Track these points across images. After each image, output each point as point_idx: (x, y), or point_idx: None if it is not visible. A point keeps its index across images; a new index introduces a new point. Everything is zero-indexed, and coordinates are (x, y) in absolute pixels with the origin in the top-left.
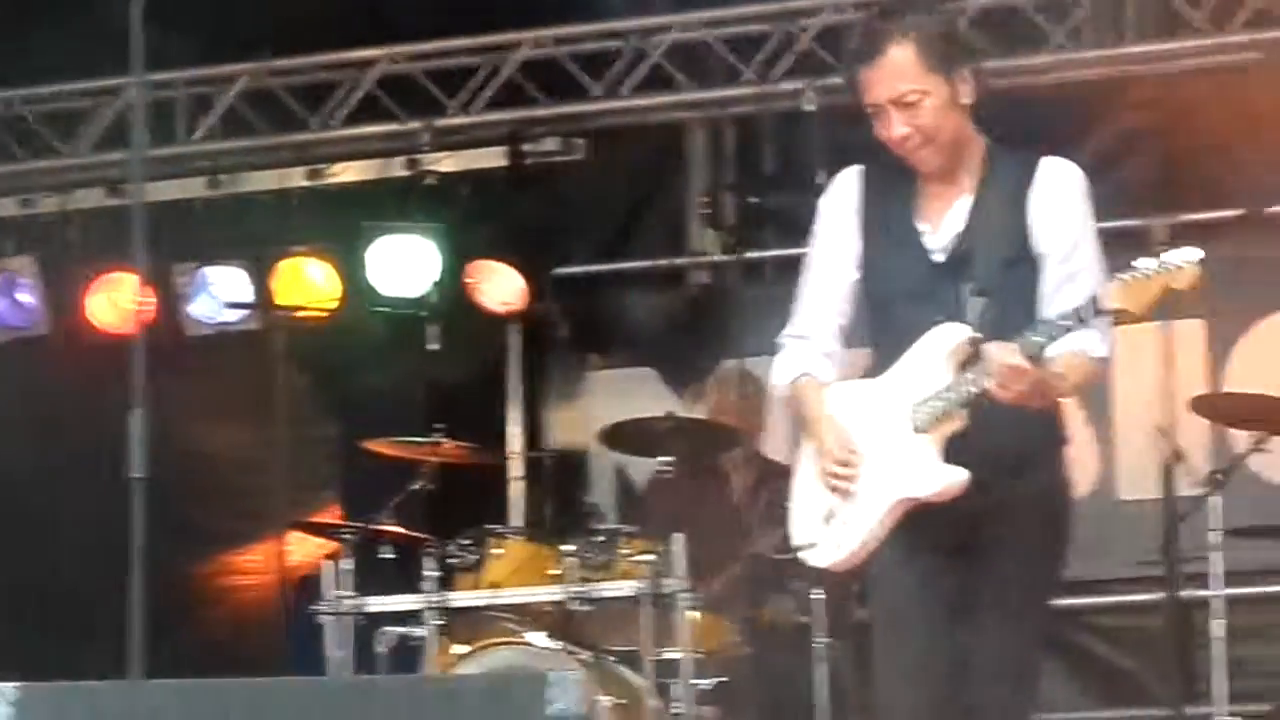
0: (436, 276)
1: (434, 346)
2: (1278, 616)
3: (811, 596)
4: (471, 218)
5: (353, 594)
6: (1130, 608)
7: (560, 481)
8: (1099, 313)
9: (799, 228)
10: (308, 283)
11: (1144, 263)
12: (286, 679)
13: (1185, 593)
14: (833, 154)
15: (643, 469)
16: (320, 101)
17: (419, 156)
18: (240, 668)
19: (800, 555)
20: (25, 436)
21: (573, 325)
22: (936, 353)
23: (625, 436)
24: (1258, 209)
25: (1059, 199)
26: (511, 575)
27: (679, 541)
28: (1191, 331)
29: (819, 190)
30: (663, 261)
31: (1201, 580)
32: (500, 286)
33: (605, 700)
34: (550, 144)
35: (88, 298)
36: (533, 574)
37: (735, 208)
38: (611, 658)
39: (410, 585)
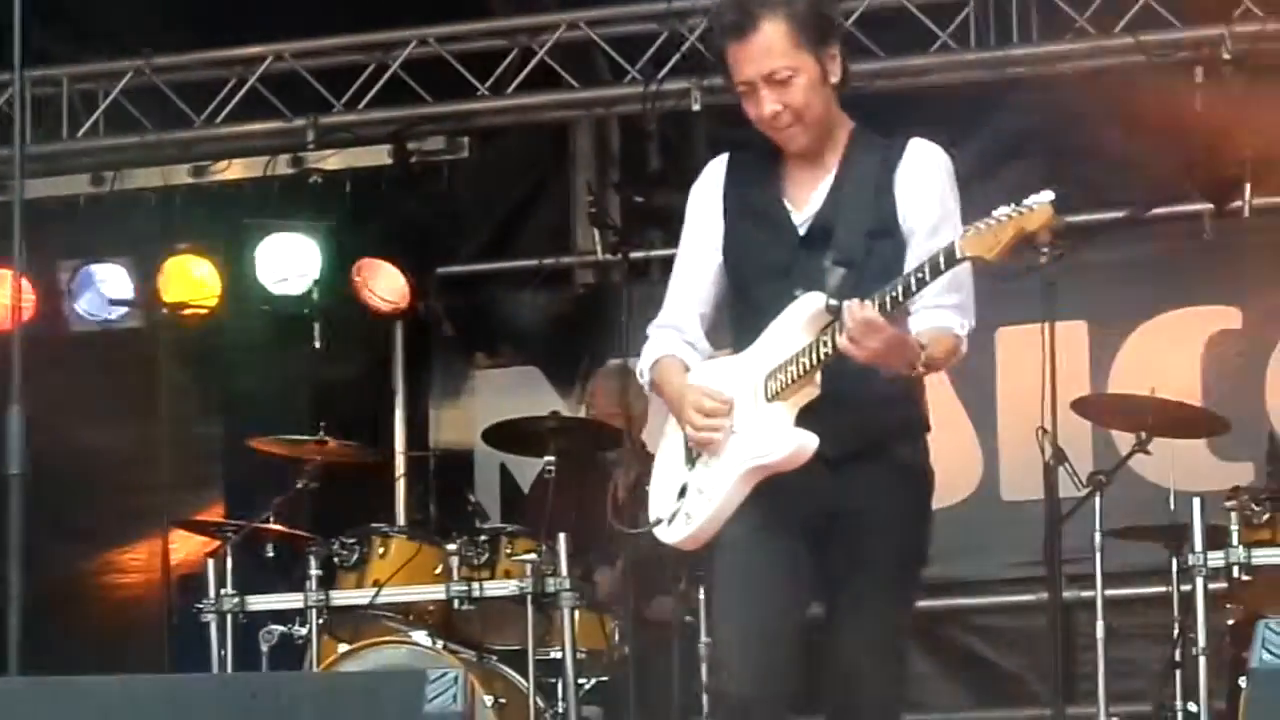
0: (321, 275)
1: (318, 345)
2: (1159, 617)
3: (699, 595)
4: (357, 216)
5: (235, 592)
6: (1012, 608)
7: (445, 480)
8: (951, 262)
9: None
10: (192, 280)
11: (999, 210)
12: (167, 676)
13: (1067, 593)
14: (718, 153)
15: (527, 468)
16: (205, 99)
17: (304, 154)
18: (122, 666)
19: (654, 532)
20: None
21: (458, 324)
22: (794, 322)
23: (509, 435)
24: (1141, 211)
25: (926, 176)
26: (395, 574)
27: (562, 541)
28: (1075, 333)
29: None
30: (548, 260)
31: (1083, 581)
32: (385, 285)
33: (487, 699)
34: (435, 142)
35: None
36: (416, 573)
37: (621, 207)
38: (494, 657)
39: (293, 584)
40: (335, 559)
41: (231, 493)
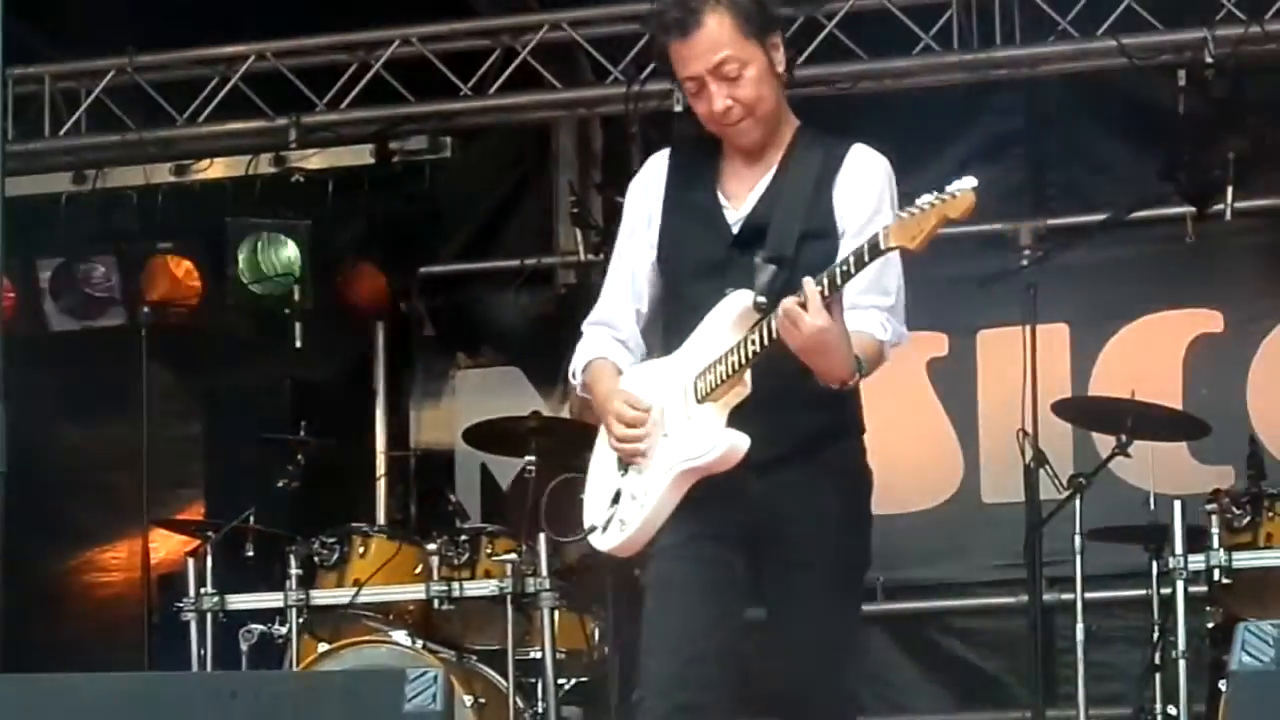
0: (303, 274)
1: (299, 345)
2: (1140, 620)
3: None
4: (339, 215)
5: (215, 592)
6: (993, 610)
7: (425, 480)
8: (876, 252)
9: None
10: (173, 279)
11: (922, 198)
12: (147, 674)
13: (1048, 596)
14: None
15: (508, 468)
16: (187, 97)
17: (286, 153)
18: (102, 664)
19: (590, 539)
20: None
21: (439, 324)
22: (723, 321)
23: (490, 435)
24: (1123, 214)
25: (865, 182)
26: (375, 574)
27: (542, 541)
28: (1056, 335)
29: None
30: (530, 261)
31: (1064, 584)
32: (367, 285)
33: (467, 699)
34: (418, 142)
35: None
36: (396, 572)
37: (603, 207)
38: (474, 657)
39: (273, 583)
40: (315, 558)
41: (212, 492)
